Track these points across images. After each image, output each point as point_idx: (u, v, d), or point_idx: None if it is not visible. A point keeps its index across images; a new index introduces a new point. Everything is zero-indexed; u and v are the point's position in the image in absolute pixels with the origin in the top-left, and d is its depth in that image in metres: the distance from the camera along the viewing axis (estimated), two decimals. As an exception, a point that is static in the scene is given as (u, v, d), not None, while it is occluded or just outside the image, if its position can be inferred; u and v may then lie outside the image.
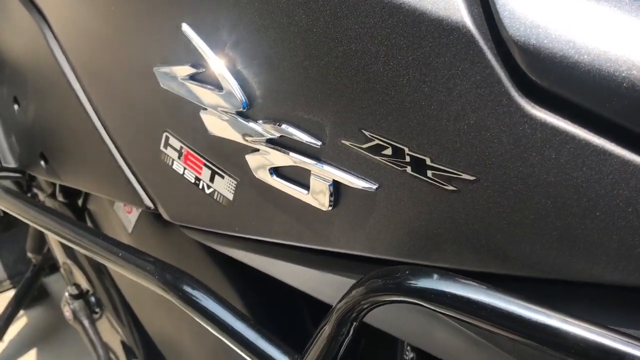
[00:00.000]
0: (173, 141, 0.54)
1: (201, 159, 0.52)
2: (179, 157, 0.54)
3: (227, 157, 0.49)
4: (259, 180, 0.47)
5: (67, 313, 1.03)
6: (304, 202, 0.44)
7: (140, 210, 0.73)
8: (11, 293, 1.65)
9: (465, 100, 0.34)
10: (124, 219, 0.76)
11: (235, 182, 0.50)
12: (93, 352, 0.99)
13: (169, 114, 0.53)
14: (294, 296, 0.58)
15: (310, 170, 0.43)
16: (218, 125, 0.48)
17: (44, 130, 0.76)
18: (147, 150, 0.56)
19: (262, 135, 0.44)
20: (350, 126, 0.39)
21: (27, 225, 1.47)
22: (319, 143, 0.41)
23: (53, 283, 1.85)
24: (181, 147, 0.53)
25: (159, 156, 0.55)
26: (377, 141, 0.38)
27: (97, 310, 1.02)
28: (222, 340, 0.75)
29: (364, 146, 0.39)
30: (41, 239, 1.37)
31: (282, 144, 0.44)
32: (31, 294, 1.63)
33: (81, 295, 1.01)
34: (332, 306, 0.39)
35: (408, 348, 0.60)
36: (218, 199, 0.52)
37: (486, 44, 0.33)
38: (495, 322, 0.32)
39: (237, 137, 0.46)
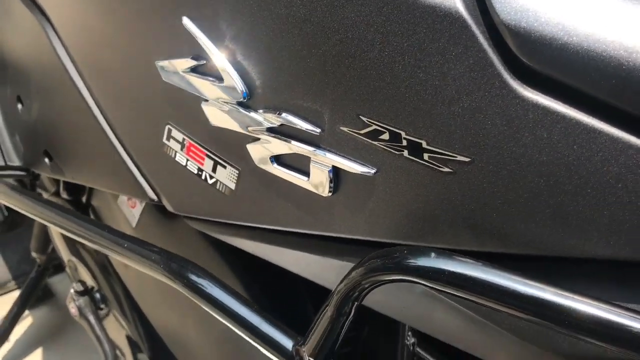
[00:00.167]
0: (175, 133, 0.55)
1: (203, 150, 0.53)
2: (181, 149, 0.55)
3: (229, 147, 0.50)
4: (261, 169, 0.48)
5: (73, 309, 1.03)
6: (304, 188, 0.45)
7: (143, 204, 0.74)
8: (16, 294, 1.66)
9: (459, 84, 0.35)
10: (128, 213, 0.77)
11: (237, 172, 0.51)
12: (99, 347, 1.00)
13: (171, 106, 0.54)
14: (297, 284, 0.59)
15: (310, 157, 0.44)
16: (219, 116, 0.49)
17: (47, 128, 0.77)
18: (150, 143, 0.57)
19: (263, 125, 0.45)
20: (349, 113, 0.40)
21: (31, 225, 1.49)
22: (318, 130, 0.42)
23: (57, 283, 1.86)
24: (183, 139, 0.54)
25: (162, 148, 0.56)
26: (374, 126, 0.39)
27: (102, 306, 1.03)
28: (226, 332, 0.76)
29: (362, 132, 0.40)
30: (45, 238, 1.38)
31: (282, 132, 0.45)
32: (36, 294, 1.63)
33: (86, 291, 1.02)
34: None
35: (409, 333, 0.61)
36: (221, 189, 0.53)
37: (478, 28, 0.34)
38: (491, 297, 0.33)
39: (238, 127, 0.47)
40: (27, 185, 1.05)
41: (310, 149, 0.43)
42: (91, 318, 1.00)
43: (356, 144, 0.41)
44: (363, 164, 0.41)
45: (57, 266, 1.61)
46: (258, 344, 0.46)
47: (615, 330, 0.30)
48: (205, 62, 0.48)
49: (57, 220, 0.63)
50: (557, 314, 0.31)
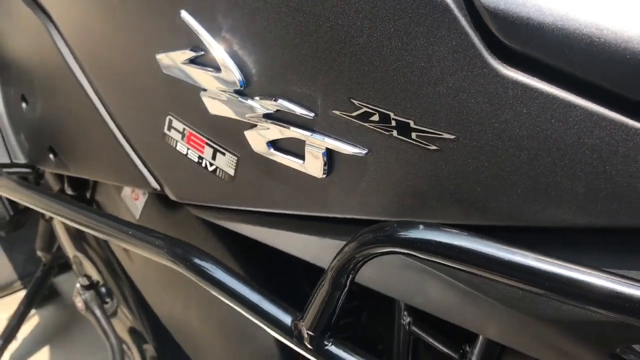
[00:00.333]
0: (176, 123, 0.56)
1: (203, 138, 0.54)
2: (182, 138, 0.57)
3: (228, 134, 0.52)
4: (258, 155, 0.50)
5: (79, 304, 1.05)
6: (300, 171, 0.47)
7: (146, 196, 0.76)
8: (22, 293, 1.68)
9: (443, 65, 0.37)
10: (132, 206, 0.78)
11: (236, 158, 0.52)
12: (105, 339, 1.02)
13: (171, 98, 0.56)
14: (295, 266, 0.61)
15: (304, 141, 0.45)
16: (218, 105, 0.50)
17: (52, 125, 0.79)
18: (152, 134, 0.59)
19: (259, 111, 0.47)
20: (340, 96, 0.42)
21: (35, 226, 1.50)
22: (312, 114, 0.44)
23: (63, 283, 1.87)
24: (184, 129, 0.56)
25: (164, 139, 0.58)
26: (365, 109, 0.41)
27: (108, 300, 1.05)
28: (228, 318, 0.78)
29: (353, 114, 0.42)
30: (50, 237, 1.40)
31: (278, 118, 0.47)
32: (42, 293, 1.65)
33: (92, 286, 1.03)
34: None
35: (405, 313, 0.63)
36: (220, 176, 0.54)
37: (460, 12, 0.36)
38: (475, 264, 0.34)
39: (236, 115, 0.49)
40: (32, 183, 1.07)
41: (305, 132, 0.45)
42: (97, 311, 1.02)
43: (348, 127, 0.43)
44: (355, 146, 0.43)
45: (62, 265, 1.63)
46: (258, 320, 0.48)
47: (591, 291, 0.31)
48: (203, 53, 0.49)
49: (63, 212, 0.65)
50: (537, 278, 0.33)
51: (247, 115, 0.48)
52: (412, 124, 0.39)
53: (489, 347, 0.56)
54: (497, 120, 0.36)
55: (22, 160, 0.90)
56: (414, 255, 0.37)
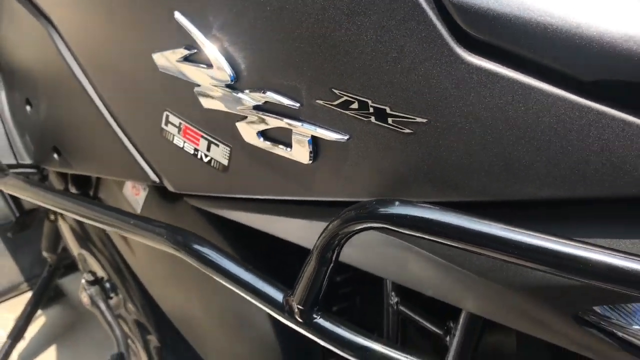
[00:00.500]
0: (172, 118, 0.59)
1: (198, 131, 0.57)
2: (178, 132, 0.59)
3: (220, 126, 0.55)
4: (249, 144, 0.53)
5: (85, 299, 1.08)
6: (288, 158, 0.50)
7: (146, 191, 0.79)
8: (29, 295, 1.71)
9: (414, 55, 0.40)
10: (133, 201, 0.81)
11: (229, 149, 0.55)
12: (110, 332, 1.05)
13: (167, 94, 0.58)
14: (286, 250, 0.63)
15: (291, 130, 0.48)
16: (211, 99, 0.53)
17: (55, 126, 0.82)
18: (151, 130, 0.62)
19: (249, 103, 0.50)
20: (323, 87, 0.45)
21: (40, 228, 1.53)
22: (297, 105, 0.47)
23: (68, 284, 1.90)
24: (180, 123, 0.59)
25: (161, 133, 0.61)
26: (345, 97, 0.44)
27: (112, 295, 1.08)
28: (227, 307, 0.81)
29: (335, 103, 0.45)
30: (55, 237, 1.42)
31: (266, 109, 0.50)
32: (48, 293, 1.68)
33: (96, 281, 1.06)
34: None
35: (392, 293, 0.66)
36: (215, 166, 0.57)
37: (428, 5, 0.39)
38: (448, 235, 0.37)
39: (227, 108, 0.52)
40: (37, 183, 1.10)
41: (291, 122, 0.48)
42: (102, 305, 1.05)
43: (330, 115, 0.46)
44: (337, 132, 0.46)
45: (68, 266, 1.66)
46: (253, 298, 0.51)
47: (553, 256, 0.34)
48: (196, 51, 0.52)
49: (70, 207, 0.68)
50: (504, 246, 0.36)
51: (238, 108, 0.51)
52: (388, 110, 0.42)
53: (471, 322, 0.59)
54: (464, 104, 0.39)
55: (27, 161, 0.93)
56: (392, 230, 0.40)
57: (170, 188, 0.65)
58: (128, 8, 0.59)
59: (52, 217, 1.30)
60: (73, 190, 0.98)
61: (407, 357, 0.44)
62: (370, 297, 0.81)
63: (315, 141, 0.48)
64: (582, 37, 0.35)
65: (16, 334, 1.57)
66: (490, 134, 0.39)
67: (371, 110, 0.43)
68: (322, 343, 0.47)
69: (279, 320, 0.76)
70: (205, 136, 0.57)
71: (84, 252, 1.08)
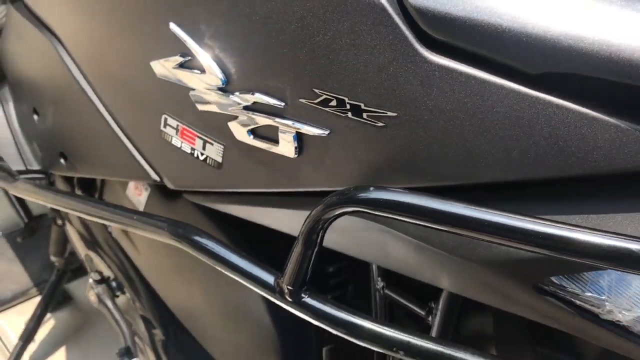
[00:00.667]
0: (170, 121, 0.63)
1: (194, 132, 0.61)
2: (176, 134, 0.63)
3: (214, 127, 0.59)
4: (241, 142, 0.57)
5: (92, 297, 1.12)
6: (276, 153, 0.54)
7: (148, 191, 0.83)
8: (37, 299, 1.74)
9: (383, 55, 0.44)
10: (136, 201, 0.85)
11: (223, 147, 0.59)
12: (117, 328, 1.08)
13: (165, 99, 0.63)
14: (276, 238, 0.67)
15: (278, 127, 0.52)
16: (205, 102, 0.57)
17: (62, 132, 0.86)
18: (151, 132, 0.66)
19: (240, 104, 0.54)
20: (305, 87, 0.49)
21: (48, 234, 1.57)
22: (283, 104, 0.51)
23: (75, 288, 1.93)
24: (177, 125, 0.63)
25: (160, 135, 0.65)
26: (324, 96, 0.48)
27: (118, 293, 1.12)
28: (227, 299, 0.84)
29: (316, 101, 0.49)
30: (63, 242, 1.46)
31: (255, 109, 0.54)
32: (57, 297, 1.71)
33: (103, 280, 1.10)
34: None
35: (378, 278, 0.70)
36: (210, 163, 0.61)
37: (394, 11, 0.43)
38: (418, 215, 0.41)
39: (220, 109, 0.56)
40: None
41: (278, 119, 0.52)
42: (109, 303, 1.08)
43: (312, 112, 0.50)
44: (319, 127, 0.50)
45: (75, 270, 1.70)
46: (247, 282, 0.55)
47: (511, 231, 0.38)
48: (190, 58, 0.56)
49: (78, 207, 0.72)
50: (467, 223, 0.39)
51: (229, 109, 0.55)
52: (362, 106, 0.46)
53: (450, 302, 0.63)
54: (428, 98, 0.43)
55: (35, 167, 0.97)
56: (369, 213, 0.44)
57: (170, 186, 0.69)
58: (127, 21, 0.63)
59: (59, 222, 1.34)
60: (79, 193, 1.02)
61: (389, 330, 0.48)
62: (362, 286, 0.85)
63: (299, 137, 0.52)
64: (529, 35, 0.38)
65: (27, 337, 1.60)
66: (452, 125, 0.43)
67: (348, 106, 0.47)
68: (311, 320, 0.50)
69: (275, 310, 0.80)
70: (201, 136, 0.61)
71: (90, 253, 1.12)
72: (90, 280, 1.12)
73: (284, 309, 0.74)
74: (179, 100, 0.60)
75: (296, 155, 0.53)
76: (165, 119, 0.64)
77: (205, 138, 0.61)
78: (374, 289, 0.70)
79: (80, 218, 1.11)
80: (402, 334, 0.47)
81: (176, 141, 0.64)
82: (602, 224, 0.41)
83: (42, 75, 0.88)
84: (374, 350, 0.80)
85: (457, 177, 0.45)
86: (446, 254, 0.48)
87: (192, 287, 0.89)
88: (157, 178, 0.70)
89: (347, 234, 0.57)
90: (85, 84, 0.75)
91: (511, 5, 0.39)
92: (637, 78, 0.36)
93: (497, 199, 0.46)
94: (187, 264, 0.87)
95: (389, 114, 0.45)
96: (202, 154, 0.62)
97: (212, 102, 0.56)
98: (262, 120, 0.53)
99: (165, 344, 1.00)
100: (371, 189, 0.43)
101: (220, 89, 0.55)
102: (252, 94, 0.53)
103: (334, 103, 0.48)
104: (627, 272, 0.41)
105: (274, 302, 0.77)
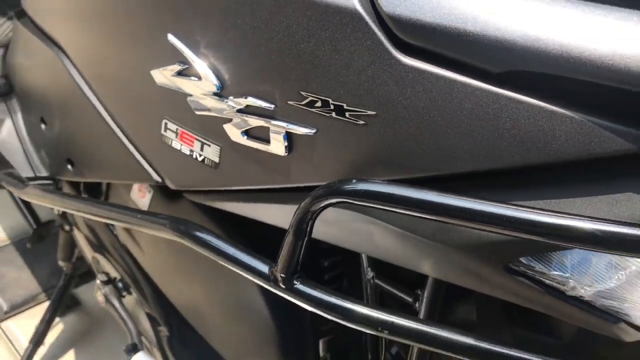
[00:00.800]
0: (170, 125, 0.67)
1: (193, 134, 0.65)
2: (176, 137, 0.67)
3: (211, 129, 0.63)
4: (236, 143, 0.60)
5: (100, 298, 1.15)
6: (268, 152, 0.57)
7: (151, 193, 0.86)
8: (47, 304, 1.77)
9: (362, 59, 0.47)
10: (140, 203, 0.89)
11: (219, 148, 0.63)
12: (124, 326, 1.12)
13: (165, 105, 0.66)
14: (271, 231, 0.70)
15: (269, 127, 0.56)
16: (201, 106, 0.61)
17: (68, 140, 0.90)
18: (152, 136, 0.70)
19: (234, 107, 0.58)
20: (292, 90, 0.52)
21: (55, 238, 1.60)
22: (273, 106, 0.55)
23: (82, 293, 1.96)
24: (177, 129, 0.67)
25: (161, 139, 0.69)
26: (310, 98, 0.52)
27: (124, 293, 1.15)
28: (228, 294, 0.88)
29: (303, 103, 0.52)
30: (70, 247, 1.50)
31: (248, 111, 0.57)
32: (65, 301, 1.74)
33: (109, 281, 1.14)
34: None
35: (368, 268, 0.73)
36: (208, 164, 0.65)
37: (371, 19, 0.46)
38: (396, 203, 0.44)
39: (216, 113, 0.60)
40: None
41: (269, 120, 0.55)
42: (115, 303, 1.12)
43: (300, 113, 0.53)
44: (306, 127, 0.53)
45: (82, 275, 1.73)
46: (245, 272, 0.58)
47: (481, 215, 0.41)
48: (187, 66, 0.60)
49: (85, 208, 0.76)
50: (439, 209, 0.43)
51: (224, 112, 0.59)
52: (345, 106, 0.50)
53: (435, 288, 0.66)
54: (403, 98, 0.47)
55: (44, 173, 1.00)
56: (353, 203, 0.47)
57: (171, 186, 0.73)
58: (128, 33, 0.67)
59: (66, 228, 1.37)
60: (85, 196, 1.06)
61: (373, 311, 0.51)
62: (356, 279, 0.88)
63: (289, 136, 0.55)
64: (491, 38, 0.42)
65: (37, 340, 1.63)
66: (425, 121, 0.46)
67: (332, 107, 0.51)
68: (302, 304, 0.54)
69: (272, 305, 0.84)
70: (199, 138, 0.65)
71: (97, 255, 1.15)
72: (98, 282, 1.15)
73: (281, 304, 0.77)
74: (178, 105, 0.64)
75: (286, 154, 0.56)
76: (166, 124, 0.68)
77: (203, 140, 0.64)
78: (365, 279, 0.73)
79: (86, 223, 1.15)
80: (385, 314, 0.50)
81: (176, 144, 0.68)
82: (565, 207, 0.44)
83: (48, 86, 0.92)
84: (367, 342, 0.84)
85: (433, 168, 0.48)
86: (425, 240, 0.51)
87: (194, 285, 0.93)
88: (159, 179, 0.73)
89: (337, 226, 0.60)
90: (90, 93, 0.79)
91: (476, 11, 0.43)
92: (587, 74, 0.40)
93: (471, 188, 0.49)
94: (189, 262, 0.90)
95: (369, 112, 0.49)
96: (200, 155, 0.65)
97: (209, 106, 0.60)
98: (254, 121, 0.57)
99: (170, 340, 1.03)
100: (354, 181, 0.47)
101: (215, 94, 0.59)
102: (245, 97, 0.56)
103: (319, 104, 0.51)
104: (587, 249, 0.45)
105: (271, 297, 0.82)
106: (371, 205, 0.46)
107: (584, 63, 0.40)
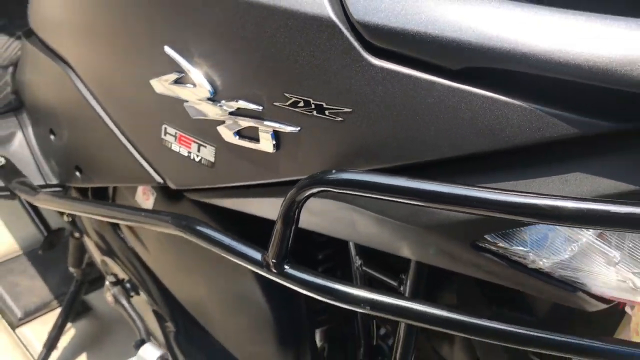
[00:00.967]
0: (170, 130, 0.72)
1: (190, 137, 0.70)
2: (175, 140, 0.72)
3: (206, 132, 0.67)
4: (229, 143, 0.65)
5: (109, 298, 1.19)
6: (258, 150, 0.62)
7: (154, 195, 0.91)
8: (59, 310, 1.81)
9: (338, 63, 0.52)
10: (144, 205, 0.93)
11: (214, 148, 0.68)
12: (133, 324, 1.16)
13: (164, 111, 0.71)
14: (264, 223, 0.74)
15: (258, 127, 0.60)
16: (196, 111, 0.66)
17: (76, 148, 0.95)
18: (153, 141, 0.75)
19: (226, 110, 0.62)
20: (277, 92, 0.57)
21: (65, 248, 1.65)
22: (261, 108, 0.59)
23: (93, 299, 2.00)
24: (175, 133, 0.71)
25: (162, 142, 0.73)
26: (294, 99, 0.56)
27: (132, 293, 1.19)
28: (229, 288, 0.92)
29: (287, 103, 0.57)
30: (80, 253, 1.54)
31: (239, 113, 0.62)
32: (76, 308, 1.78)
33: (118, 282, 1.18)
34: None
35: (356, 257, 0.77)
36: (205, 163, 0.70)
37: (344, 26, 0.51)
38: (372, 189, 0.48)
39: (210, 116, 0.64)
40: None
41: (258, 121, 0.60)
42: (124, 302, 1.16)
43: (285, 113, 0.58)
44: (291, 125, 0.58)
45: (92, 281, 1.77)
46: (240, 260, 0.62)
47: (448, 196, 0.46)
48: (183, 75, 0.65)
49: (93, 210, 0.80)
50: (409, 193, 0.47)
51: (218, 115, 0.64)
52: (324, 105, 0.54)
53: (417, 272, 0.70)
54: (375, 95, 0.51)
55: (53, 181, 1.05)
56: (334, 191, 0.51)
57: (172, 186, 0.77)
58: (129, 47, 0.72)
59: (76, 235, 1.42)
60: (93, 202, 1.10)
61: (356, 290, 0.55)
62: (348, 269, 0.92)
63: (276, 134, 0.60)
64: (449, 39, 0.46)
65: (50, 345, 1.67)
66: (394, 115, 0.51)
67: (313, 106, 0.55)
68: (292, 286, 0.58)
69: (270, 297, 0.88)
70: (196, 141, 0.69)
71: (106, 258, 1.20)
72: (107, 283, 1.19)
73: (278, 296, 0.82)
74: (176, 111, 0.68)
75: (275, 151, 0.61)
76: (165, 128, 0.72)
77: (200, 142, 0.69)
78: (354, 267, 0.78)
79: (95, 229, 1.19)
80: (367, 292, 0.54)
81: (175, 147, 0.72)
82: (525, 187, 0.48)
83: (56, 99, 0.97)
84: (360, 331, 0.88)
85: (405, 157, 0.52)
86: (401, 224, 0.55)
87: (197, 282, 0.97)
88: (160, 180, 0.78)
89: (323, 216, 0.65)
90: (95, 104, 0.84)
91: (436, 15, 0.47)
92: (534, 67, 0.44)
93: (441, 174, 0.53)
94: (192, 261, 0.95)
95: (346, 110, 0.53)
96: (197, 156, 0.70)
97: (203, 110, 0.65)
98: (245, 122, 0.61)
99: (176, 336, 1.07)
100: (334, 171, 0.51)
101: (209, 99, 0.63)
102: (236, 101, 0.61)
103: (301, 104, 0.56)
104: (543, 223, 0.49)
105: (269, 290, 0.86)
106: (350, 192, 0.50)
107: (531, 57, 0.44)
